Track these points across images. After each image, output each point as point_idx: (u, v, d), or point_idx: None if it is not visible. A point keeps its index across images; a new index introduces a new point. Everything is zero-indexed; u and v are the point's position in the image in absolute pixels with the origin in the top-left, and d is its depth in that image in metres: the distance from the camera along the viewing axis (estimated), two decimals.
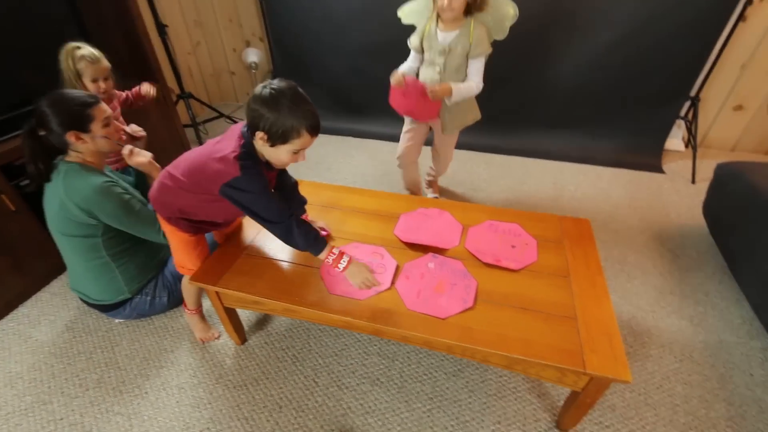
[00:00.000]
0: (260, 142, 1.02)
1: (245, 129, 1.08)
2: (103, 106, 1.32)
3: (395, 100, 1.74)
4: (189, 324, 1.60)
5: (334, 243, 1.38)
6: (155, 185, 1.23)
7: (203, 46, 3.31)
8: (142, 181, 1.62)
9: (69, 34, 1.74)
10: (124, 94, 1.79)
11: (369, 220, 1.49)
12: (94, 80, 1.57)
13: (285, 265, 1.31)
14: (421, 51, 1.73)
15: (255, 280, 1.25)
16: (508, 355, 1.01)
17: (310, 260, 1.32)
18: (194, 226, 1.29)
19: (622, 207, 2.20)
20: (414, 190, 2.18)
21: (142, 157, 1.42)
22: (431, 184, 2.31)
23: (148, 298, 1.59)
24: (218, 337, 1.57)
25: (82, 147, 1.30)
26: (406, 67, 1.81)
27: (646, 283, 1.72)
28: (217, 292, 1.30)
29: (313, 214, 1.50)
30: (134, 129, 1.59)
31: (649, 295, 1.66)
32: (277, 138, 0.99)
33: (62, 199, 1.30)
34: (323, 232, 1.41)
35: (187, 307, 1.51)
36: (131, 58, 2.21)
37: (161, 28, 2.42)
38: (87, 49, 1.54)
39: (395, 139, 2.95)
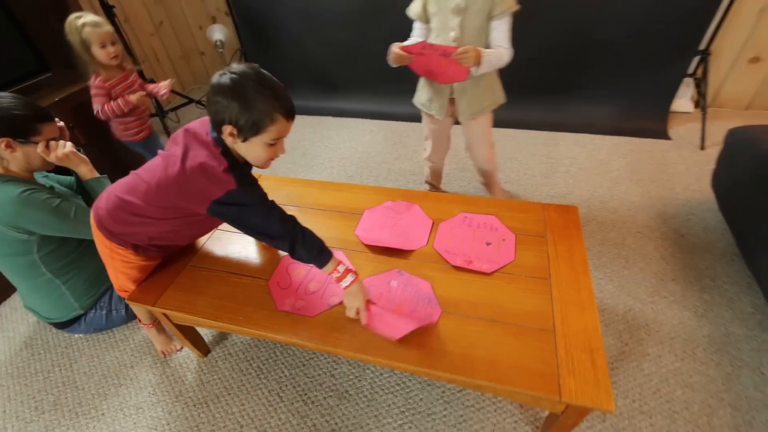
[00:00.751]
0: (230, 139, 0.88)
1: (213, 132, 0.92)
2: (56, 127, 1.22)
3: (412, 61, 1.39)
4: (149, 336, 1.49)
5: None
6: (103, 214, 1.08)
7: (167, 26, 3.07)
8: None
9: None
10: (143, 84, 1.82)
11: (330, 218, 1.34)
12: (102, 46, 1.56)
13: (232, 277, 1.18)
14: (427, 19, 1.41)
15: (197, 297, 1.12)
16: (473, 381, 0.87)
17: (257, 272, 1.18)
18: (164, 249, 1.18)
19: (621, 181, 2.00)
20: (435, 184, 1.93)
21: (61, 150, 1.26)
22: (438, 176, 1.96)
23: (104, 312, 1.49)
24: (180, 350, 1.47)
25: (8, 155, 1.17)
26: (410, 43, 1.46)
27: (646, 269, 1.55)
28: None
29: None
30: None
31: (649, 282, 1.50)
32: (248, 130, 0.85)
33: None
34: None
35: (141, 321, 1.40)
36: None
37: (108, 10, 2.20)
38: (87, 16, 1.54)
39: (375, 116, 2.77)
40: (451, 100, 1.50)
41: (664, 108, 2.34)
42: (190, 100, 2.85)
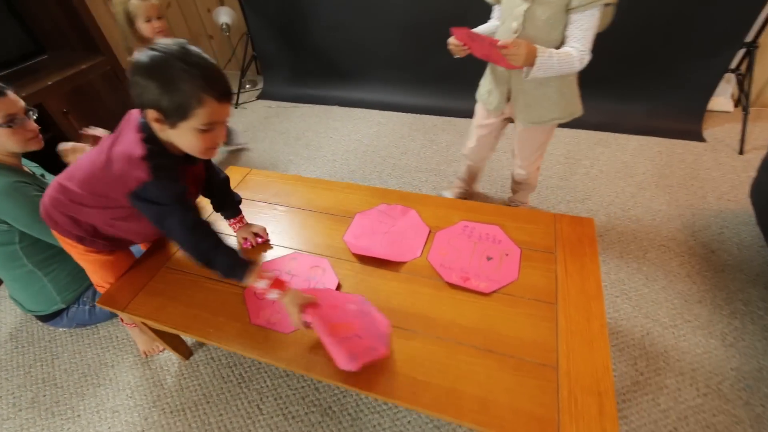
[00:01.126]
0: (156, 125, 0.79)
1: (141, 117, 0.83)
2: (10, 99, 1.10)
3: (470, 47, 1.20)
4: (131, 335, 1.44)
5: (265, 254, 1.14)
6: (47, 201, 1.01)
7: (175, 7, 2.98)
8: None
9: None
10: None
11: (317, 220, 1.24)
12: (148, 20, 1.54)
13: (208, 282, 1.09)
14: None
15: (168, 304, 1.04)
16: (459, 422, 0.76)
17: None
18: (116, 243, 1.09)
19: (647, 186, 1.82)
20: (469, 183, 1.74)
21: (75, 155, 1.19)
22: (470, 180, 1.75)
23: (87, 307, 1.43)
24: (162, 351, 1.41)
25: None
26: (484, 29, 1.29)
27: (669, 288, 1.40)
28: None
29: (250, 215, 1.25)
30: (98, 131, 1.34)
31: (671, 304, 1.35)
32: (173, 114, 0.75)
33: None
34: (258, 240, 1.17)
35: (124, 321, 1.34)
36: (72, 28, 1.95)
37: None
38: None
39: (384, 106, 2.63)
40: (509, 97, 1.30)
41: (700, 106, 2.12)
42: None
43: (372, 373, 0.84)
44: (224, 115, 0.80)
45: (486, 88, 1.37)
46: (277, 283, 0.88)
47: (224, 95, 0.77)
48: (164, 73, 0.72)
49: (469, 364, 0.84)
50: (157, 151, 0.82)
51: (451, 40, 1.16)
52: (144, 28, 1.55)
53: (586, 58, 1.07)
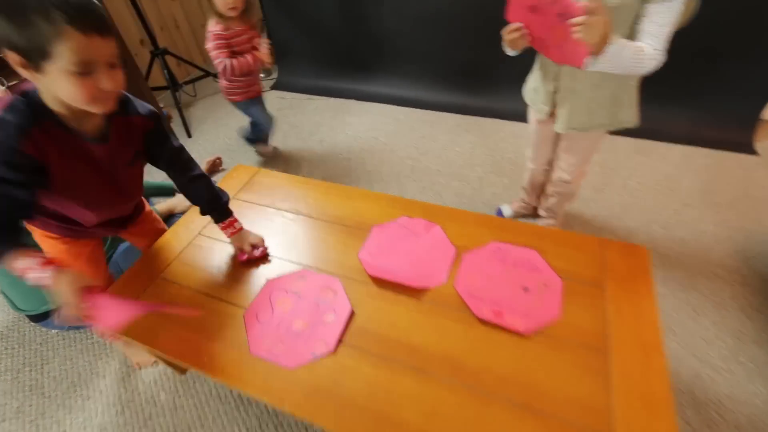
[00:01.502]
0: (25, 72, 0.66)
1: None
2: None
3: (526, 27, 0.98)
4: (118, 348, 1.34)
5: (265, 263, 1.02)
6: None
7: None
8: None
9: None
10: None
11: (330, 232, 1.11)
12: None
13: (206, 300, 0.97)
14: None
15: (161, 323, 0.92)
16: None
17: (235, 297, 0.97)
18: (70, 227, 0.94)
19: (692, 203, 1.65)
20: (528, 194, 1.57)
21: None
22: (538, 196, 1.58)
23: None
24: (156, 363, 1.31)
25: None
26: None
27: (721, 323, 1.24)
28: None
29: (254, 222, 1.12)
30: None
31: (724, 342, 1.20)
32: (33, 53, 0.63)
33: None
34: (255, 252, 1.04)
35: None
36: None
37: None
38: None
39: (404, 102, 2.48)
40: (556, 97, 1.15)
41: (753, 114, 1.93)
42: (207, 73, 2.65)
43: (389, 428, 0.71)
44: (100, 52, 0.66)
45: (532, 85, 1.22)
46: (50, 261, 0.72)
47: (91, 27, 0.63)
48: (13, 5, 0.60)
49: (504, 424, 0.70)
50: (20, 108, 0.71)
51: (506, 28, 0.99)
52: (218, 1, 1.51)
53: (660, 59, 0.89)
